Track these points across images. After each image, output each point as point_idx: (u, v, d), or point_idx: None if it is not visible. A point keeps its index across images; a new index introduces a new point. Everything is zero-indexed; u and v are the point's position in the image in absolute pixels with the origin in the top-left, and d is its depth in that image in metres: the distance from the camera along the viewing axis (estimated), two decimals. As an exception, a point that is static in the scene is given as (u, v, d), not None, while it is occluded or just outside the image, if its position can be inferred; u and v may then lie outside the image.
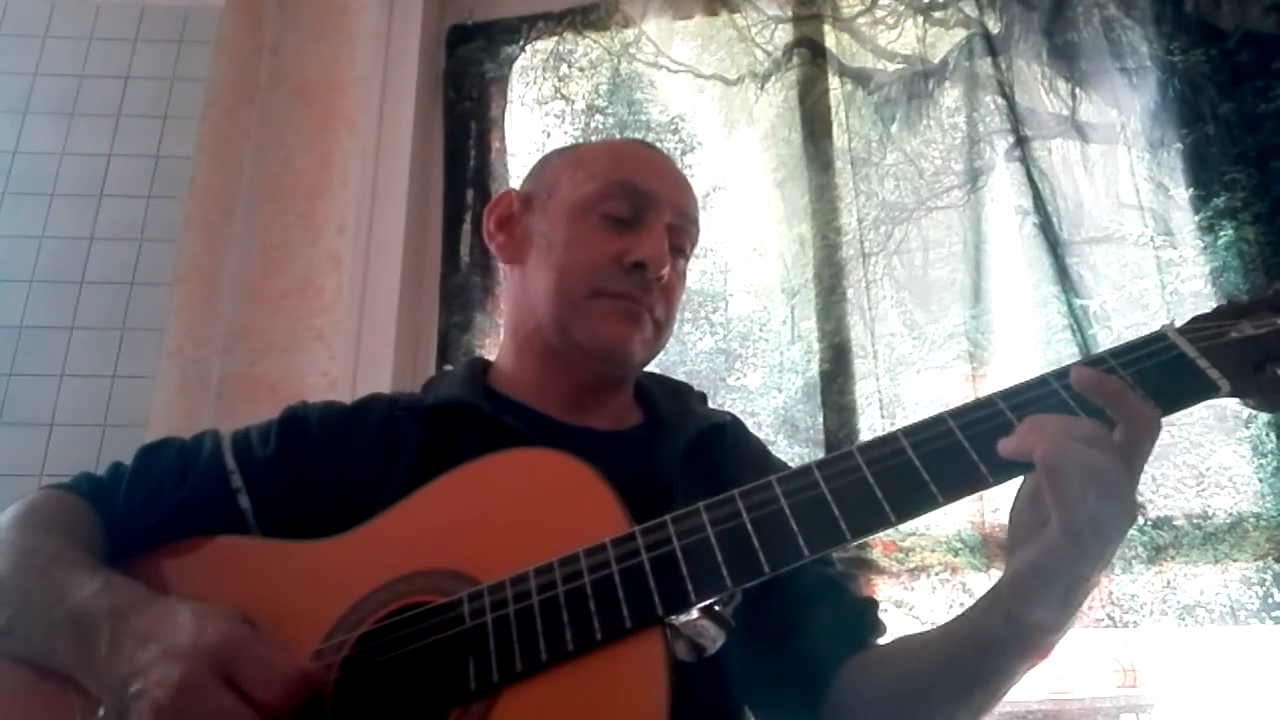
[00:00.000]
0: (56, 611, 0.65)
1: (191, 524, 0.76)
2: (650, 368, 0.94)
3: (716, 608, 0.62)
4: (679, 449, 0.82)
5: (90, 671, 0.62)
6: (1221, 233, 1.32)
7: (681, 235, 0.87)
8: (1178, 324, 0.62)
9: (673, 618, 0.58)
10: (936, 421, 0.61)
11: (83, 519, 0.76)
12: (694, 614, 0.60)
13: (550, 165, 0.93)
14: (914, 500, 0.58)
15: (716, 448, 0.85)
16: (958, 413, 0.61)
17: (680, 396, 0.92)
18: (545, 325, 0.85)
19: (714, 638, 0.64)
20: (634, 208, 0.84)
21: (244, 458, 0.80)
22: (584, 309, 0.82)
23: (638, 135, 1.74)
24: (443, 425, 0.82)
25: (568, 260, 0.83)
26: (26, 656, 0.67)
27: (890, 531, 1.33)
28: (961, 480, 0.58)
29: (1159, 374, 0.58)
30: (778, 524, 0.59)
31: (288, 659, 0.59)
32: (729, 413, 0.93)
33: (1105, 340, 1.34)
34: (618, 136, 1.70)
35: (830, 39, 1.64)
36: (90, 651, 0.61)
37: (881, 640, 0.79)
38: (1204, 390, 0.58)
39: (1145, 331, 0.63)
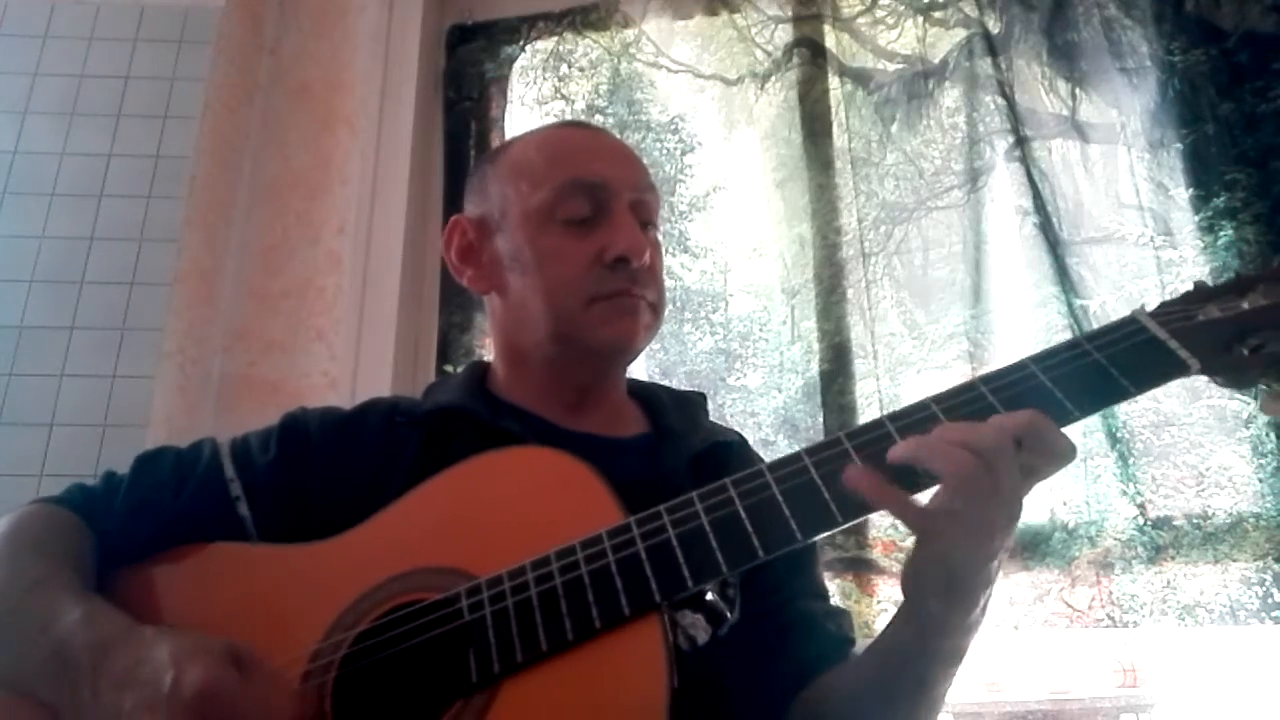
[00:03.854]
0: (40, 643, 0.63)
1: (190, 533, 0.76)
2: (651, 368, 0.93)
3: (709, 598, 0.63)
4: (685, 458, 0.82)
5: (74, 714, 0.60)
6: (1221, 233, 1.32)
7: (645, 209, 0.85)
8: (1148, 308, 0.65)
9: (669, 605, 0.59)
10: (921, 407, 0.63)
11: (72, 536, 0.74)
12: (686, 605, 0.61)
13: (488, 180, 0.89)
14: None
15: (723, 463, 0.84)
16: (941, 398, 0.63)
17: (689, 409, 0.92)
18: (544, 342, 0.83)
19: (705, 627, 0.65)
20: (592, 203, 0.81)
21: (243, 465, 0.79)
22: (582, 320, 0.81)
23: (637, 135, 1.74)
24: (441, 431, 0.81)
25: (549, 279, 0.81)
26: (11, 683, 0.66)
27: (890, 531, 1.33)
28: None
29: (1132, 355, 0.61)
30: (771, 509, 0.61)
31: (278, 705, 0.57)
32: (736, 431, 0.92)
33: (1105, 340, 1.34)
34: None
35: (830, 39, 1.64)
36: (74, 695, 0.60)
37: None
38: (1175, 369, 0.60)
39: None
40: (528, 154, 0.87)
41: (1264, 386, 0.61)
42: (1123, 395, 0.60)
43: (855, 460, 0.61)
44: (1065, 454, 0.58)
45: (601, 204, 0.82)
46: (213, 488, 0.78)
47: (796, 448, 1.51)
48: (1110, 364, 0.61)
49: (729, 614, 0.68)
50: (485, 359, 0.97)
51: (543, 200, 0.82)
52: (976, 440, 0.57)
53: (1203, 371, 0.60)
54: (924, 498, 0.60)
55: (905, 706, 0.67)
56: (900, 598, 0.65)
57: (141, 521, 0.76)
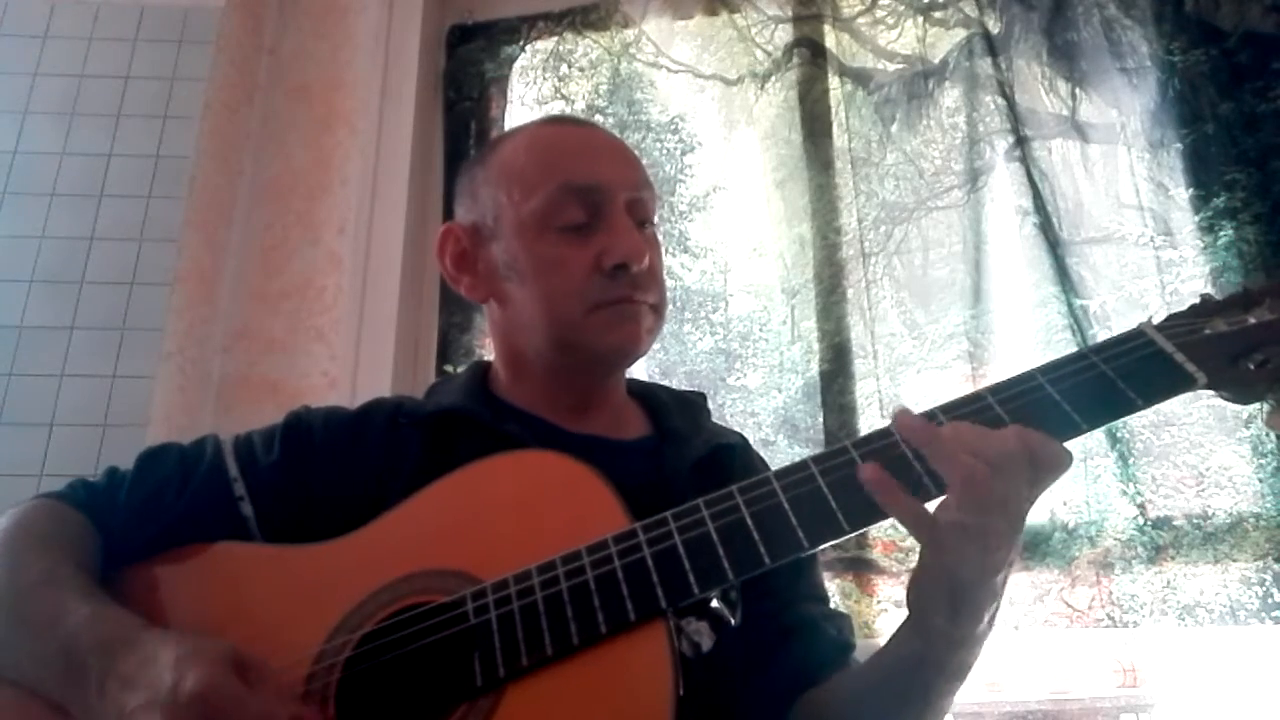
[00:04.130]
0: (46, 640, 0.63)
1: (193, 532, 0.75)
2: (651, 368, 0.93)
3: (714, 604, 0.63)
4: (688, 461, 0.81)
5: (82, 711, 0.61)
6: (1221, 233, 1.32)
7: (641, 208, 0.83)
8: (1155, 321, 0.65)
9: (674, 611, 0.59)
10: (928, 416, 0.63)
11: (77, 532, 0.74)
12: (691, 612, 0.61)
13: (479, 185, 0.86)
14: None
15: (726, 466, 0.84)
16: (949, 407, 0.63)
17: (691, 410, 0.91)
18: (545, 349, 0.82)
19: (710, 634, 0.65)
20: (588, 207, 0.79)
21: (247, 464, 0.79)
22: (584, 327, 0.79)
23: (637, 135, 1.73)
24: (444, 434, 0.80)
25: (548, 287, 0.79)
26: (18, 679, 0.66)
27: (890, 531, 1.33)
28: None
29: (1139, 368, 0.62)
30: (777, 517, 0.61)
31: (278, 710, 0.57)
32: (738, 433, 0.92)
33: (1104, 340, 1.34)
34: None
35: (830, 39, 1.64)
36: (80, 692, 0.60)
37: None
38: (1182, 383, 0.61)
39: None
40: (518, 156, 0.84)
41: (1269, 401, 0.61)
42: (1130, 408, 0.61)
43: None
44: (1062, 462, 0.59)
45: (597, 207, 0.80)
46: (215, 486, 0.78)
47: (797, 448, 1.50)
48: (1117, 377, 0.61)
49: (732, 620, 0.68)
50: (486, 359, 0.96)
51: (536, 207, 0.80)
52: (987, 448, 0.57)
53: (1209, 386, 0.61)
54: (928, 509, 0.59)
55: (910, 715, 0.67)
56: (902, 599, 0.65)
57: (145, 519, 0.76)
